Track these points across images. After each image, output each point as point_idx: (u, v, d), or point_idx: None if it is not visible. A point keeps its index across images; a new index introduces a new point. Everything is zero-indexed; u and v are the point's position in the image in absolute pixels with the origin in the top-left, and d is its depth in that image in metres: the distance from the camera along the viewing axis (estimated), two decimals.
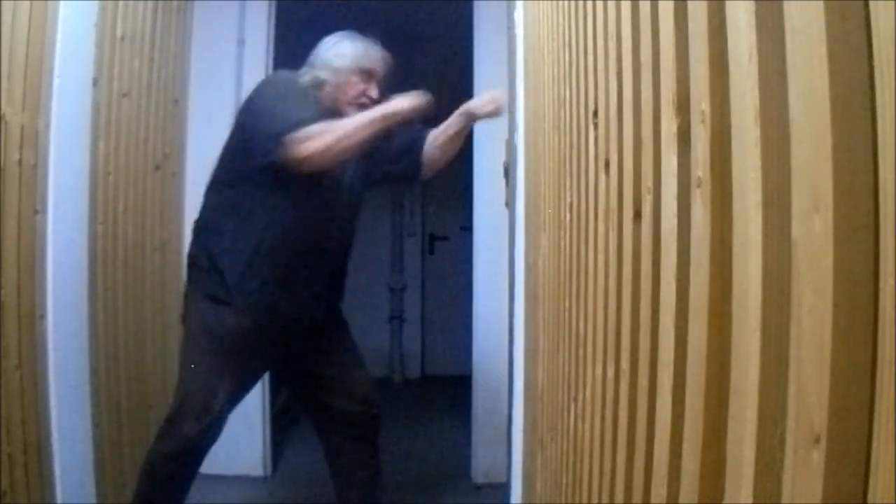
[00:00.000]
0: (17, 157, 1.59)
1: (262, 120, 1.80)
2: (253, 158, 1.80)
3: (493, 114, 2.00)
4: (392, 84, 1.99)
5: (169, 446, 1.78)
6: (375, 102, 1.91)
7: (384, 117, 1.82)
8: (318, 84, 1.92)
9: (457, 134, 2.05)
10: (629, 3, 0.84)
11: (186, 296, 1.92)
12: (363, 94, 1.93)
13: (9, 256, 1.57)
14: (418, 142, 2.07)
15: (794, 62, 0.46)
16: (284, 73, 1.99)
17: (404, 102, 1.83)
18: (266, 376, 2.58)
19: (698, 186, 0.61)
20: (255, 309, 1.83)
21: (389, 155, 2.06)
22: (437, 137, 2.05)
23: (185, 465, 1.82)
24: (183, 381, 1.84)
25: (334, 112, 1.88)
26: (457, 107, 2.03)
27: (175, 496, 1.84)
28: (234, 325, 1.82)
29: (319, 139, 1.74)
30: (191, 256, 1.93)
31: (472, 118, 2.03)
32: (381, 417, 2.08)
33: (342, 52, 1.95)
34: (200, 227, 1.93)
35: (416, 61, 4.87)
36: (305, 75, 1.94)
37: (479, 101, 2.04)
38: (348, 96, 1.92)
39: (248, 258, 1.83)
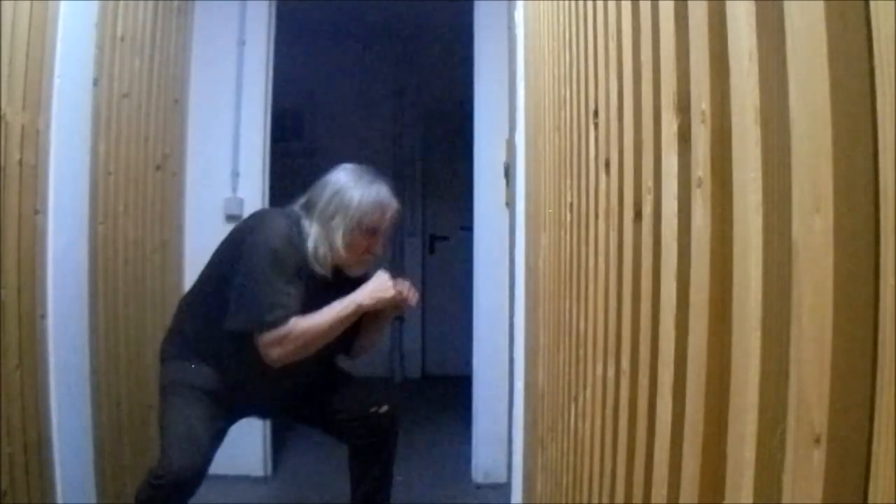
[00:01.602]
0: (17, 156, 1.60)
1: (248, 296, 1.75)
2: (224, 322, 1.76)
3: (405, 309, 1.94)
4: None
5: (165, 492, 1.71)
6: (376, 256, 1.89)
7: (351, 315, 1.82)
8: (320, 248, 1.82)
9: (378, 326, 2.00)
10: (629, 2, 0.84)
11: (167, 353, 1.91)
12: (366, 251, 1.86)
13: (9, 256, 1.57)
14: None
15: (795, 62, 0.46)
16: (285, 229, 1.80)
17: (370, 298, 1.82)
18: None
19: (699, 186, 0.61)
20: (242, 396, 1.86)
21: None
22: (365, 327, 1.98)
23: (181, 500, 1.77)
24: (171, 429, 1.78)
25: (336, 267, 1.85)
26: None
27: None
28: (218, 383, 1.82)
29: (290, 344, 1.75)
30: (175, 322, 1.93)
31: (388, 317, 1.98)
32: (399, 410, 2.05)
33: (347, 207, 1.82)
34: (185, 310, 1.93)
35: (417, 61, 4.89)
36: (307, 236, 1.82)
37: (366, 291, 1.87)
38: (351, 257, 1.85)
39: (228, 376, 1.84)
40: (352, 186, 1.83)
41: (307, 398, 2.00)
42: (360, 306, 1.82)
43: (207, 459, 1.76)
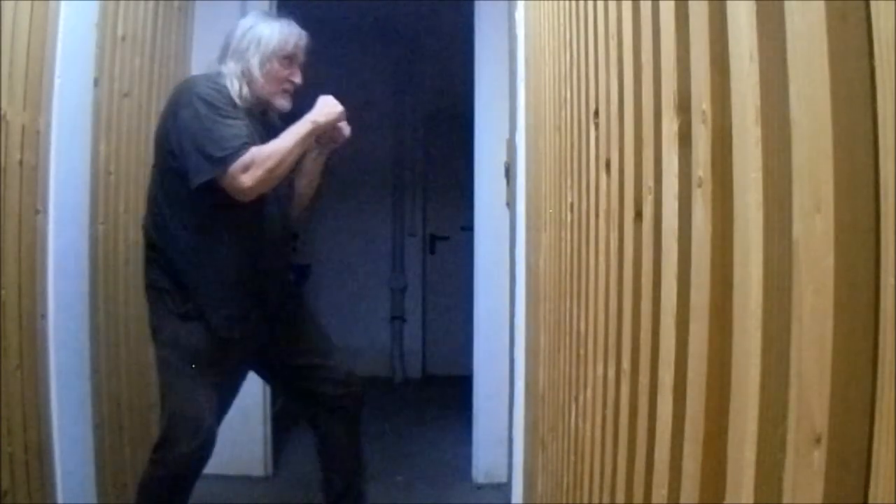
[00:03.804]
0: (18, 156, 1.60)
1: (198, 145, 1.73)
2: (190, 183, 1.75)
3: (332, 122, 1.88)
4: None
5: (166, 470, 1.76)
6: (298, 87, 1.89)
7: (310, 133, 1.81)
8: (240, 83, 1.84)
9: (312, 166, 1.99)
10: (630, 3, 0.84)
11: (154, 317, 1.89)
12: (287, 79, 1.89)
13: (9, 256, 1.57)
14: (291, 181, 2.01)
15: (795, 62, 0.46)
16: (204, 82, 1.85)
17: (323, 115, 1.83)
18: None
19: (699, 186, 0.61)
20: (225, 322, 1.83)
21: None
22: (301, 175, 2.00)
23: (183, 486, 1.80)
24: (168, 403, 1.81)
25: (262, 104, 1.87)
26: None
27: None
28: (207, 337, 1.81)
29: (258, 168, 1.73)
30: (149, 278, 1.89)
31: (314, 132, 1.90)
32: (364, 394, 2.07)
33: (258, 38, 1.86)
34: (151, 250, 1.89)
35: (417, 61, 4.89)
36: (226, 77, 1.85)
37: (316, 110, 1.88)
38: (272, 86, 1.87)
39: (207, 278, 1.82)
40: (261, 22, 1.89)
41: (282, 336, 1.97)
42: (314, 123, 1.82)
43: (210, 435, 1.78)
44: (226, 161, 1.71)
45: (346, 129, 1.92)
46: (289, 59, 1.88)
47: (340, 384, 2.01)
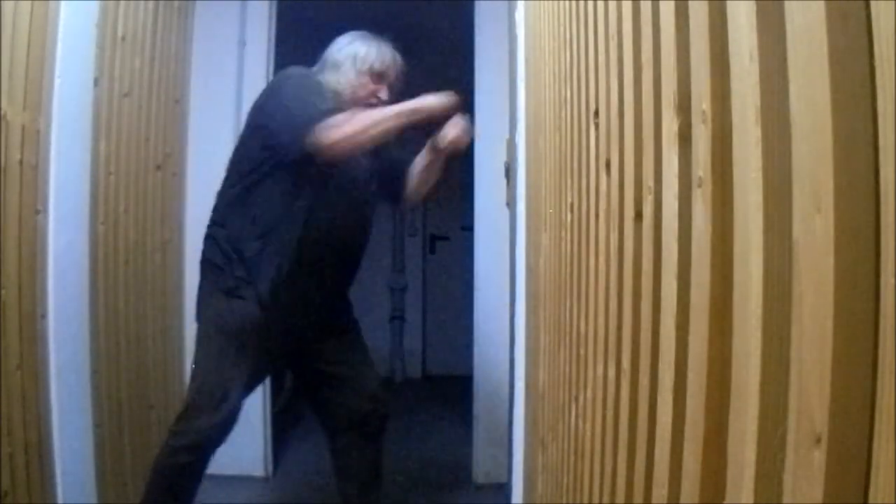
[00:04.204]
0: (18, 156, 1.60)
1: (289, 111, 1.81)
2: (280, 150, 1.81)
3: (456, 142, 1.96)
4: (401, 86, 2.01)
5: (185, 440, 1.79)
6: (385, 104, 1.92)
7: (412, 111, 1.84)
8: (331, 82, 1.94)
9: (429, 166, 2.06)
10: (630, 2, 0.84)
11: (201, 294, 1.93)
12: (373, 94, 1.95)
13: (10, 256, 1.57)
14: (405, 167, 2.09)
15: (795, 62, 0.46)
16: (298, 69, 1.98)
17: (432, 100, 1.85)
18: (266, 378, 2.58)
19: (699, 186, 0.61)
20: (271, 299, 1.83)
21: (380, 174, 2.06)
22: (415, 167, 2.07)
23: (199, 459, 1.83)
24: (197, 375, 1.85)
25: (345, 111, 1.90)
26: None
27: (189, 490, 1.85)
28: (248, 318, 1.82)
29: (347, 126, 1.77)
30: (204, 255, 1.93)
31: (437, 151, 2.00)
32: (388, 417, 2.08)
33: (354, 53, 1.96)
34: (215, 227, 1.94)
35: (417, 61, 4.88)
36: (318, 73, 1.96)
37: (443, 132, 1.99)
38: (358, 97, 1.93)
39: (266, 248, 1.84)
40: (358, 40, 1.99)
41: (322, 340, 1.99)
42: (421, 102, 1.86)
43: (232, 413, 1.80)
44: (316, 117, 1.77)
45: (464, 134, 1.96)
46: (380, 75, 1.96)
47: (367, 400, 2.01)
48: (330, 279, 1.96)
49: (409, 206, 2.15)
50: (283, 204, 1.85)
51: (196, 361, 1.89)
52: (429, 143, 2.01)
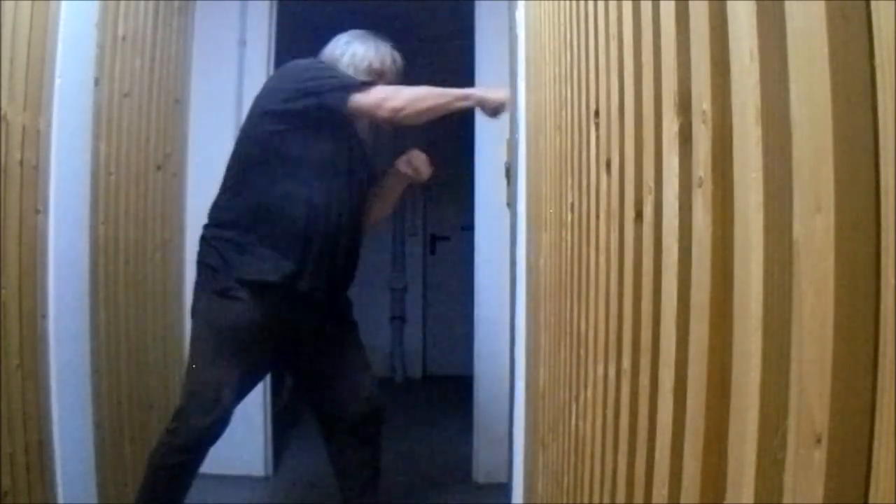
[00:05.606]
0: (18, 156, 1.60)
1: (334, 76, 1.85)
2: (322, 109, 1.81)
3: (418, 170, 2.02)
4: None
5: (178, 440, 1.80)
6: None
7: (467, 96, 1.91)
8: None
9: (388, 194, 2.10)
10: (630, 3, 0.84)
11: (195, 294, 1.93)
12: None
13: (10, 256, 1.57)
14: (376, 189, 2.10)
15: (796, 62, 0.46)
16: (305, 59, 1.99)
17: (490, 93, 1.91)
18: (266, 378, 2.58)
19: (699, 186, 0.61)
20: (275, 267, 1.84)
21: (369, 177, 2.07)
22: (374, 195, 2.08)
23: (192, 459, 1.84)
24: (191, 375, 1.86)
25: None
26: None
27: (180, 489, 1.86)
28: (243, 318, 1.82)
29: (400, 99, 1.83)
30: (199, 256, 1.93)
31: (397, 175, 2.06)
32: (386, 419, 2.08)
33: (353, 52, 1.97)
34: (209, 227, 1.94)
35: (417, 61, 4.88)
36: None
37: (405, 157, 2.05)
38: None
39: (264, 240, 1.84)
40: (356, 39, 2.01)
41: (320, 340, 1.99)
42: (469, 92, 1.93)
43: (225, 414, 1.81)
44: (361, 86, 1.82)
45: (426, 168, 2.02)
46: (378, 74, 1.98)
47: (363, 402, 2.01)
48: (324, 273, 1.94)
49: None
50: (279, 204, 1.85)
51: (190, 361, 1.89)
52: (391, 170, 2.06)
